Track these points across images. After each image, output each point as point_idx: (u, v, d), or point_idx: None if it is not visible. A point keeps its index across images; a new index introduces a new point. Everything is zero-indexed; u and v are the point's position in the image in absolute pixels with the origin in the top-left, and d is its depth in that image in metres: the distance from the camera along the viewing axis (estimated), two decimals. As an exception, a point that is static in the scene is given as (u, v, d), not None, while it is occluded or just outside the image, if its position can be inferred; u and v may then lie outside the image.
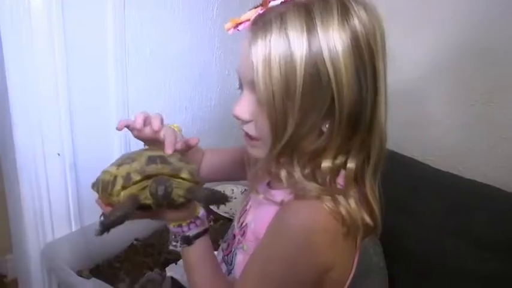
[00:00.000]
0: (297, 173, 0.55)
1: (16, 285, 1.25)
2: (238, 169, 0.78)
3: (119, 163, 0.61)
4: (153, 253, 1.18)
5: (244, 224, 0.67)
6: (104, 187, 0.60)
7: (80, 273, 1.02)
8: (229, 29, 0.57)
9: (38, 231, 1.03)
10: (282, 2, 0.52)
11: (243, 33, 0.57)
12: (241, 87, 0.58)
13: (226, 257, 0.70)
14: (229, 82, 1.53)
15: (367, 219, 0.54)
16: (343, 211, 0.52)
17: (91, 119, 1.09)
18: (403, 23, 1.39)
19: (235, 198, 1.45)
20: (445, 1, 1.33)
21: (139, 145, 1.19)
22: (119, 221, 0.55)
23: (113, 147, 1.16)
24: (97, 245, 1.13)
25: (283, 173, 0.56)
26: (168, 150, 0.62)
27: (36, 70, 0.94)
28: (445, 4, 1.33)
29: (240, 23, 0.56)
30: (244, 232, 0.65)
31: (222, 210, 1.35)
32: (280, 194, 0.59)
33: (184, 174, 0.60)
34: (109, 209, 0.60)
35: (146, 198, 0.58)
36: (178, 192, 0.58)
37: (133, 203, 0.57)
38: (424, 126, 1.45)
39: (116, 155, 1.15)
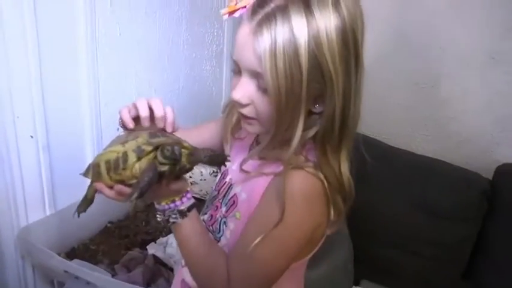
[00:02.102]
0: (292, 149, 0.61)
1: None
2: (216, 145, 0.82)
3: (122, 141, 0.63)
4: (129, 235, 1.21)
5: (232, 195, 0.72)
6: (113, 165, 0.62)
7: (57, 257, 1.02)
8: (224, 15, 0.61)
9: (11, 215, 1.02)
10: None
11: (229, 19, 0.61)
12: (236, 71, 0.63)
13: (211, 226, 0.75)
14: (196, 65, 1.56)
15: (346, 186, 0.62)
16: (331, 180, 0.60)
17: (63, 100, 1.08)
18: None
19: (204, 179, 1.49)
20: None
21: (109, 124, 1.20)
22: (149, 185, 0.58)
23: (84, 128, 1.16)
24: (71, 228, 1.14)
25: (279, 151, 0.62)
26: (169, 128, 0.64)
27: (6, 49, 0.92)
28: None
29: (237, 10, 0.60)
30: (234, 202, 0.71)
31: (192, 192, 1.39)
32: (268, 166, 0.66)
33: (185, 144, 0.64)
34: (112, 192, 0.62)
35: (160, 166, 0.61)
36: (184, 158, 0.62)
37: (154, 168, 0.60)
38: (380, 108, 1.58)
39: (88, 136, 1.17)
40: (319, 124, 0.60)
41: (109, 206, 1.23)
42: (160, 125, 0.63)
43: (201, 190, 1.48)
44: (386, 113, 1.57)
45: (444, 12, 1.37)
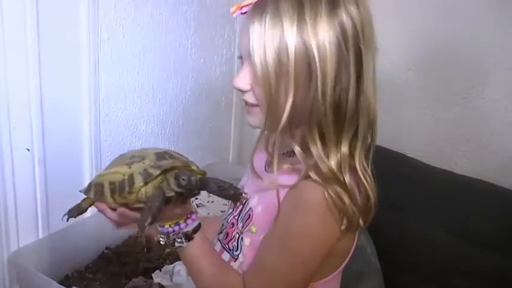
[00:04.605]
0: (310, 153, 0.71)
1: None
2: None
3: (128, 163, 0.73)
4: (129, 262, 1.28)
5: (247, 209, 0.81)
6: (118, 187, 0.71)
7: (50, 285, 1.09)
8: (233, 12, 0.74)
9: (1, 236, 1.10)
10: None
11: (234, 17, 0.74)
12: (241, 58, 0.75)
13: (226, 245, 0.84)
14: (204, 71, 1.66)
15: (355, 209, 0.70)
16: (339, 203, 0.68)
17: (61, 110, 1.18)
18: (394, 13, 1.58)
19: (212, 201, 1.58)
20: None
21: (109, 137, 1.30)
22: (159, 211, 0.67)
23: (82, 141, 1.26)
24: (65, 254, 1.22)
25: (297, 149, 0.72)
26: None
27: (5, 56, 1.02)
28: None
29: (244, 6, 0.72)
30: (249, 216, 0.80)
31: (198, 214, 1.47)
32: (286, 178, 0.74)
33: (193, 166, 0.74)
34: (115, 214, 0.72)
35: (168, 191, 0.70)
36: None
37: (162, 194, 0.69)
38: (414, 122, 1.65)
39: (86, 150, 1.25)
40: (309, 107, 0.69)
41: (106, 231, 1.31)
42: None
43: (209, 213, 1.55)
44: (420, 127, 1.64)
45: (485, 14, 1.45)
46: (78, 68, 1.20)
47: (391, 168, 1.49)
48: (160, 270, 1.20)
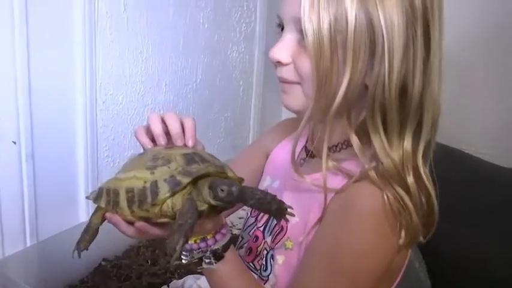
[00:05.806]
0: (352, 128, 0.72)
1: None
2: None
3: (149, 166, 0.69)
4: (130, 276, 1.31)
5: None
6: (138, 197, 0.67)
7: (39, 302, 1.14)
8: None
9: (-17, 245, 1.14)
10: None
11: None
12: (281, 27, 0.75)
13: (251, 263, 0.84)
14: (219, 50, 1.67)
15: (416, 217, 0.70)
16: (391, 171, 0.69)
17: (52, 97, 1.21)
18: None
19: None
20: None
21: (107, 129, 1.33)
22: (190, 232, 0.63)
23: (76, 133, 1.29)
24: (56, 266, 1.25)
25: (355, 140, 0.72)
26: (190, 143, 0.74)
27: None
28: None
29: None
30: (282, 228, 0.80)
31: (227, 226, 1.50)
32: (330, 179, 0.74)
33: (229, 172, 0.71)
34: (132, 229, 0.70)
35: (200, 203, 0.67)
36: None
37: (195, 208, 0.65)
38: (474, 114, 1.63)
39: (81, 143, 1.29)
40: (369, 93, 0.70)
41: (103, 239, 1.34)
42: (177, 143, 0.73)
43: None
44: (483, 120, 1.62)
45: None
46: (72, 48, 1.23)
47: (446, 167, 1.44)
48: (168, 286, 1.23)
